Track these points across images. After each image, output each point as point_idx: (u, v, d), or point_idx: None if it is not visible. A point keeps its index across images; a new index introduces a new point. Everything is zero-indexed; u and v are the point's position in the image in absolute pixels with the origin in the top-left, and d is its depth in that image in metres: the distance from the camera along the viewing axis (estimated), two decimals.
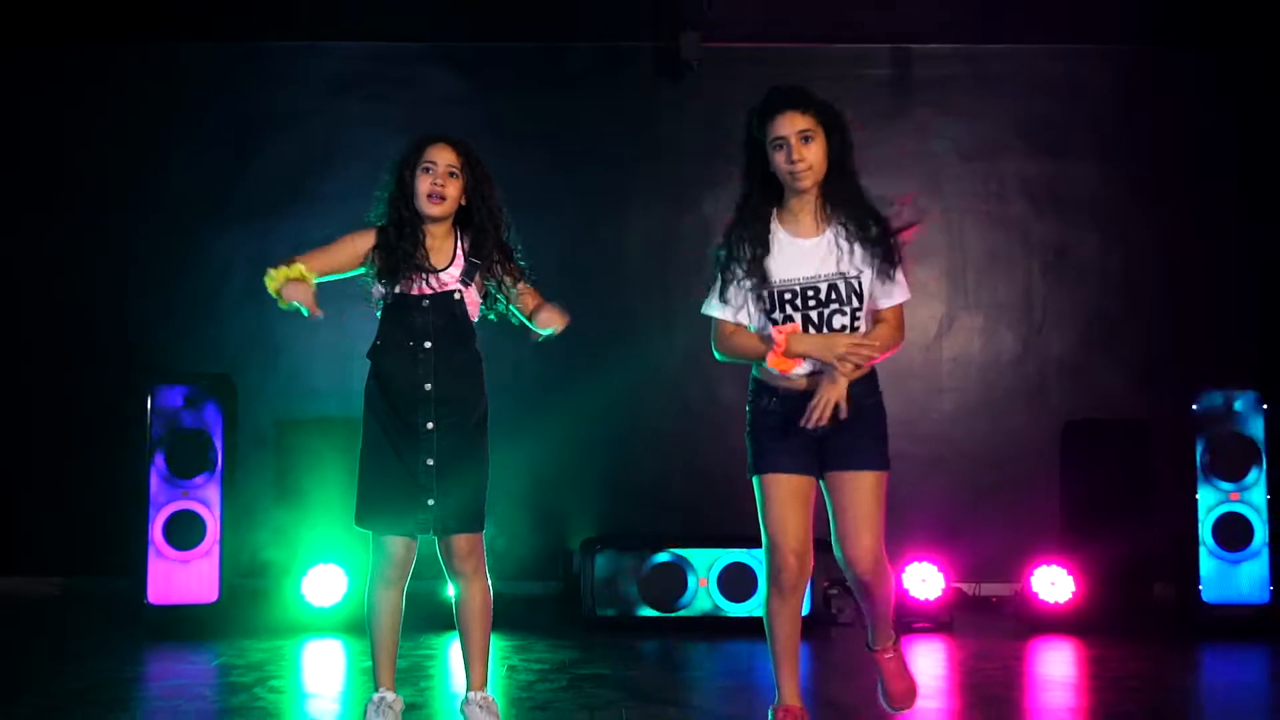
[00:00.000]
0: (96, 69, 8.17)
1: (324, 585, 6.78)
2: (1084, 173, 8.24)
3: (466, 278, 4.50)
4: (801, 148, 4.31)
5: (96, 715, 4.92)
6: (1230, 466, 6.79)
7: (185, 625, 6.49)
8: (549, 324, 4.41)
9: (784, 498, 4.34)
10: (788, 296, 4.34)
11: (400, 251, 4.43)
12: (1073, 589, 6.83)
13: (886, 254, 4.38)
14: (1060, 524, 7.80)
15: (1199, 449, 6.85)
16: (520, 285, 4.58)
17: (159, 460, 6.57)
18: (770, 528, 4.34)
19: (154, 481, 6.57)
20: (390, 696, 4.56)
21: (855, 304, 4.35)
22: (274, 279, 4.24)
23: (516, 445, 7.39)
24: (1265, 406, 6.86)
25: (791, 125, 4.32)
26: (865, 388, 4.37)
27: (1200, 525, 6.80)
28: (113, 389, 7.78)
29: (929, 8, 7.86)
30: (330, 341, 7.76)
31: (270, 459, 7.84)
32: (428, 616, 6.45)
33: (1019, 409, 8.11)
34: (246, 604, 7.01)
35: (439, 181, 4.44)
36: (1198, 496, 6.82)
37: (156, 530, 6.54)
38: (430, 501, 4.40)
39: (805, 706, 4.43)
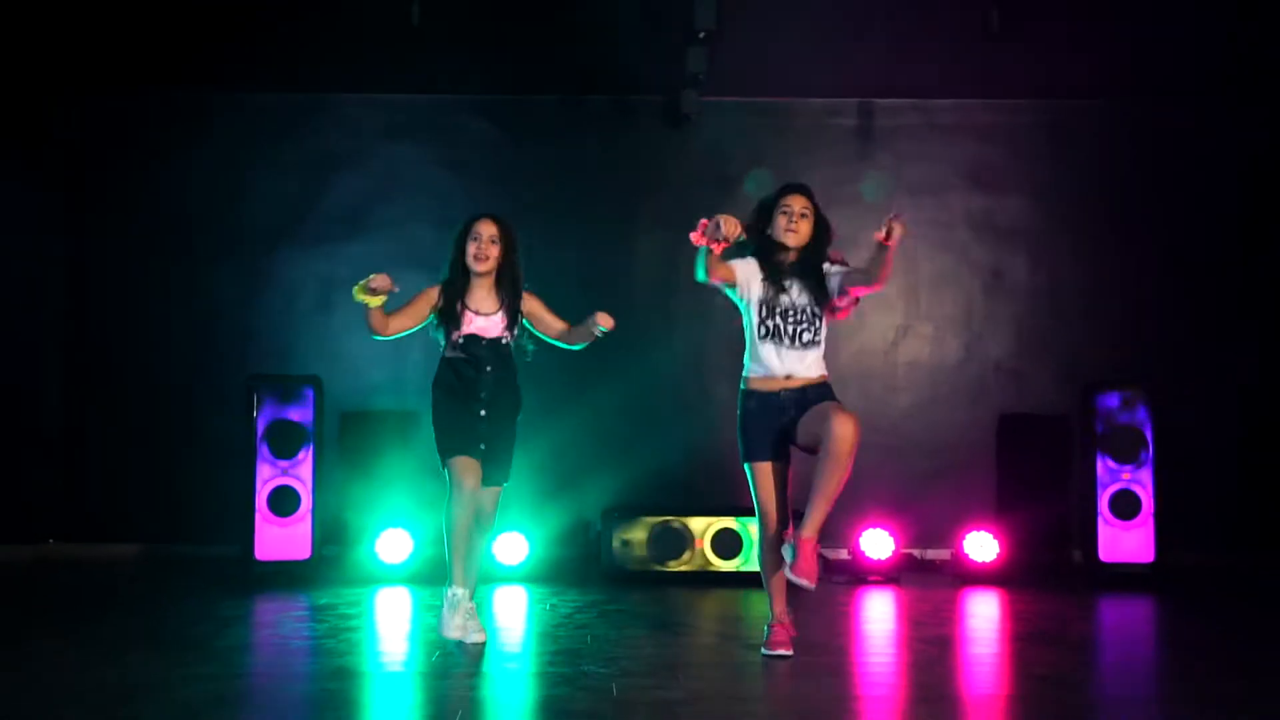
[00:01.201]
0: (196, 115, 9.62)
1: (394, 546, 8.35)
2: (1016, 206, 9.68)
3: (511, 326, 6.14)
4: (800, 221, 5.98)
5: (228, 646, 6.50)
6: (1123, 452, 8.34)
7: (285, 578, 8.05)
8: (605, 323, 6.02)
9: (769, 480, 6.00)
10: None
11: (451, 298, 6.12)
12: (998, 550, 8.41)
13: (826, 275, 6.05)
14: (992, 499, 9.35)
15: (1098, 437, 8.39)
16: (545, 314, 6.23)
17: (264, 445, 8.12)
18: (761, 503, 6.00)
19: (260, 462, 8.12)
20: (461, 592, 6.05)
21: (818, 325, 6.03)
22: (361, 290, 5.93)
23: (547, 436, 8.84)
24: (1151, 404, 8.39)
25: (797, 204, 6.01)
26: (824, 388, 6.01)
27: (1099, 499, 8.34)
28: (212, 386, 9.30)
29: (889, 69, 9.31)
30: (384, 347, 9.09)
31: (340, 444, 9.30)
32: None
33: (961, 404, 9.57)
34: (332, 561, 8.60)
35: (482, 246, 6.08)
36: (1097, 476, 8.36)
37: (262, 501, 8.09)
38: (482, 446, 6.03)
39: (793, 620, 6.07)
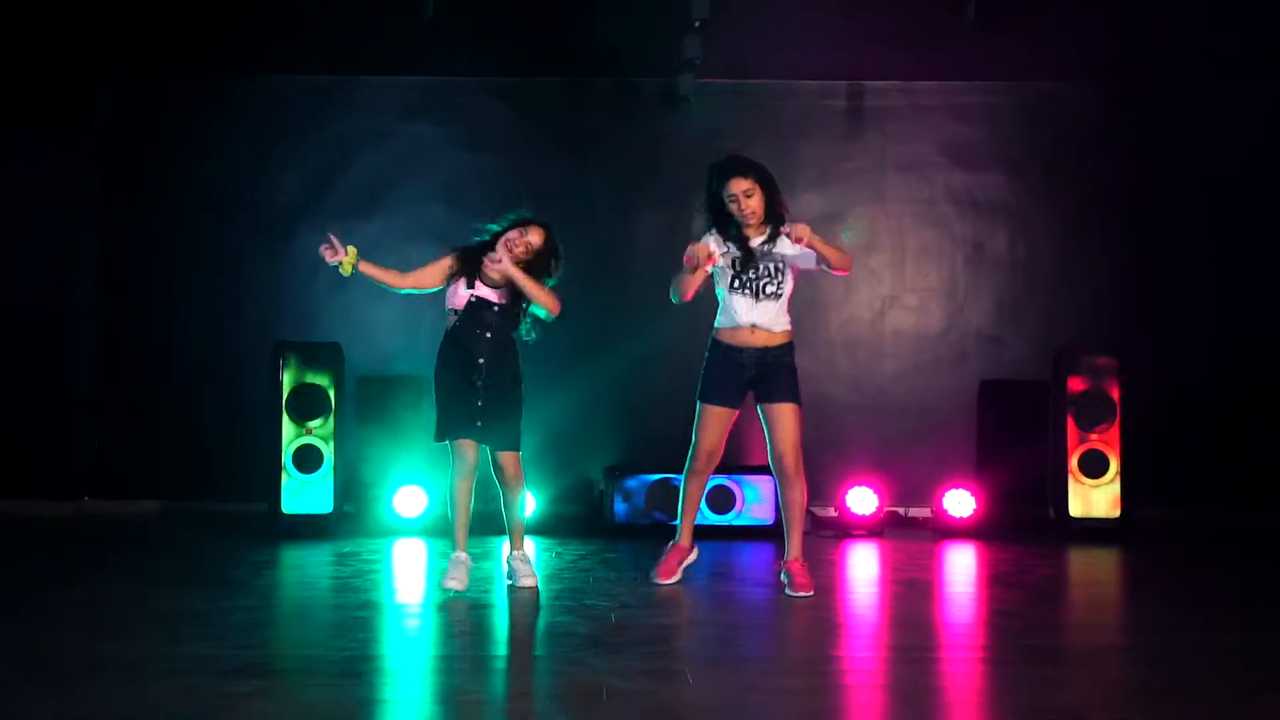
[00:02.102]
0: (224, 97, 10.16)
1: (409, 501, 8.95)
2: (996, 183, 10.17)
3: (516, 302, 6.66)
4: (747, 201, 6.56)
5: (263, 584, 7.11)
6: (1091, 414, 8.88)
7: (309, 529, 8.64)
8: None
9: (714, 422, 6.73)
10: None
11: (470, 266, 6.64)
12: (974, 506, 8.98)
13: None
14: (972, 459, 9.88)
15: (1069, 400, 8.94)
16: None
17: (289, 407, 8.69)
18: (699, 440, 6.73)
19: (285, 423, 8.70)
20: (463, 555, 6.63)
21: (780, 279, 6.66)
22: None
23: (552, 401, 9.33)
24: (1119, 369, 8.92)
25: (739, 186, 6.58)
26: (783, 348, 6.64)
27: (1068, 459, 8.89)
28: (240, 352, 9.87)
29: (877, 53, 9.81)
30: (399, 315, 9.75)
31: (358, 406, 9.80)
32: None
33: (944, 371, 10.09)
34: (352, 516, 9.16)
35: (517, 245, 6.61)
36: (1066, 437, 8.91)
37: (287, 459, 8.68)
38: (479, 423, 6.54)
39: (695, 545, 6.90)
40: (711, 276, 6.71)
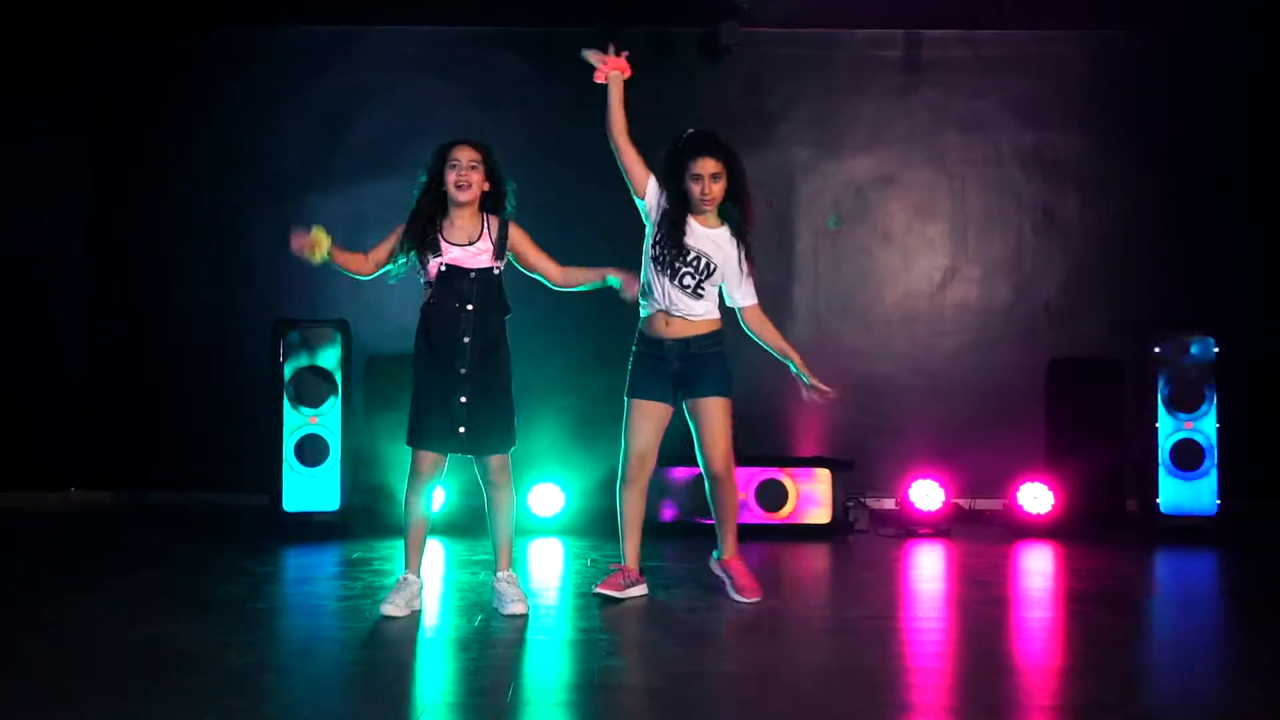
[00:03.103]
0: (221, 52, 9.31)
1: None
2: (1068, 142, 9.31)
3: (498, 255, 5.72)
4: (711, 184, 5.85)
5: (257, 614, 6.23)
6: (1186, 400, 7.99)
7: (314, 529, 7.79)
8: (629, 289, 5.84)
9: (643, 419, 6.03)
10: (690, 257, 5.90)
11: (420, 226, 5.70)
12: (1052, 501, 8.10)
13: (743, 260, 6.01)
14: (1043, 447, 9.03)
15: (1160, 384, 8.04)
16: (532, 249, 5.86)
17: (290, 391, 7.82)
18: (629, 439, 6.03)
19: (286, 411, 7.83)
20: (412, 578, 5.74)
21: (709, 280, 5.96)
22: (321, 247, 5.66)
23: (582, 384, 8.75)
24: (1217, 349, 8.01)
25: (706, 167, 5.86)
26: (709, 340, 5.99)
27: (1160, 449, 8.00)
28: (240, 330, 9.05)
29: None
30: (415, 287, 8.88)
31: (367, 387, 9.02)
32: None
33: (1011, 349, 9.23)
34: (362, 512, 8.28)
35: (463, 174, 5.66)
36: (1158, 425, 8.01)
37: (289, 450, 7.80)
38: (461, 430, 5.63)
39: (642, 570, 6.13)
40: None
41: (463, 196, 5.68)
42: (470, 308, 5.65)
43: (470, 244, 5.70)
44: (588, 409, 8.76)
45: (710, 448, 6.00)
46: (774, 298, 5.82)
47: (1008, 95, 9.37)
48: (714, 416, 6.00)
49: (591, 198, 8.83)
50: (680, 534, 7.88)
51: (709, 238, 5.90)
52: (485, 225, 5.75)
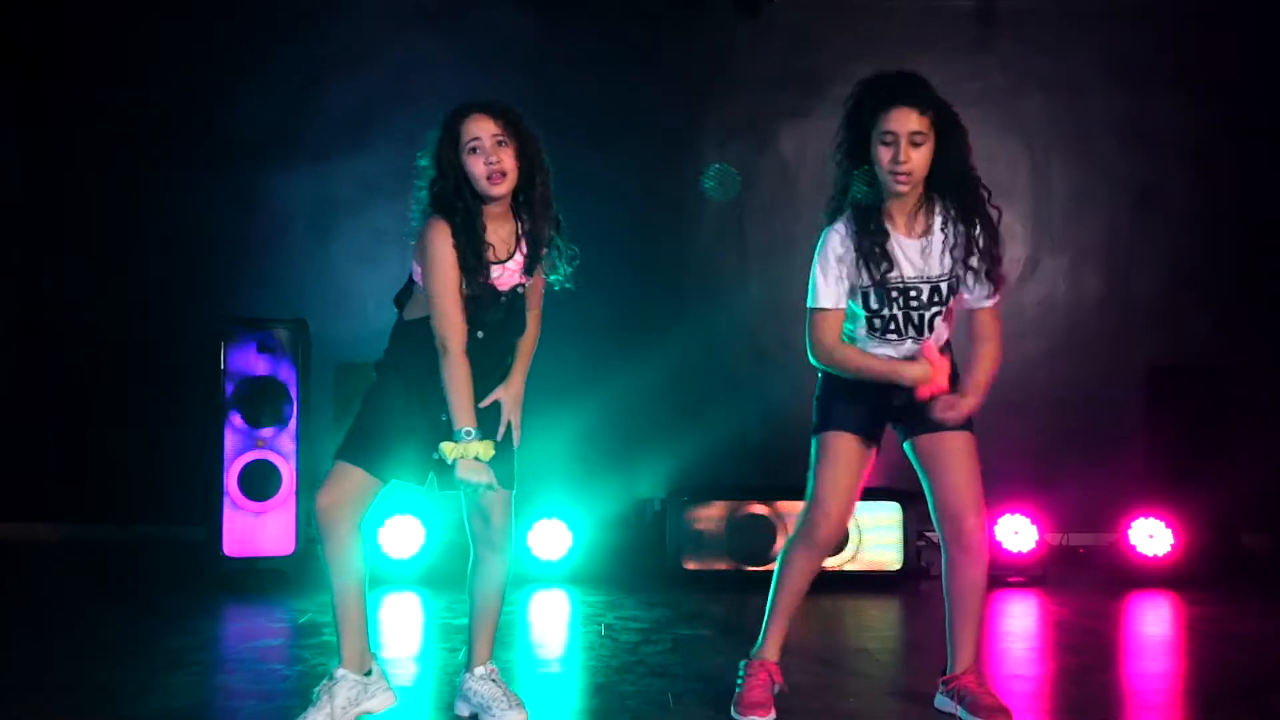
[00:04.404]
0: (162, 4, 7.96)
1: (401, 537, 6.62)
2: (1171, 109, 7.95)
3: (529, 271, 4.19)
4: (910, 150, 4.05)
5: (184, 678, 4.79)
6: None
7: (263, 578, 6.35)
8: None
9: (844, 457, 4.22)
10: (894, 295, 4.14)
11: (471, 250, 4.03)
12: (1171, 541, 6.63)
13: (987, 256, 4.24)
14: (1148, 472, 7.56)
15: None
16: (536, 295, 4.33)
17: (233, 409, 6.38)
18: (821, 486, 4.23)
19: (228, 431, 6.39)
20: (344, 675, 4.11)
21: (948, 303, 4.24)
22: (470, 451, 3.97)
23: (595, 400, 7.43)
24: None
25: (905, 124, 4.05)
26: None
27: None
28: (179, 333, 7.60)
29: None
30: (393, 283, 7.57)
31: (337, 403, 7.61)
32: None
33: (1103, 353, 7.90)
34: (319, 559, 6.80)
35: (493, 158, 4.02)
36: None
37: (231, 481, 6.36)
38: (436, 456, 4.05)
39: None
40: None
41: (499, 189, 4.04)
42: (480, 335, 4.09)
43: (509, 258, 4.13)
44: (600, 424, 7.51)
45: (964, 499, 4.26)
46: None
47: (1101, 52, 8.01)
48: (964, 455, 4.27)
49: (609, 175, 7.75)
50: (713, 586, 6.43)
51: (915, 251, 4.17)
52: (519, 230, 4.18)
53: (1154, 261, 7.96)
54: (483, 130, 4.01)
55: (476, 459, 3.93)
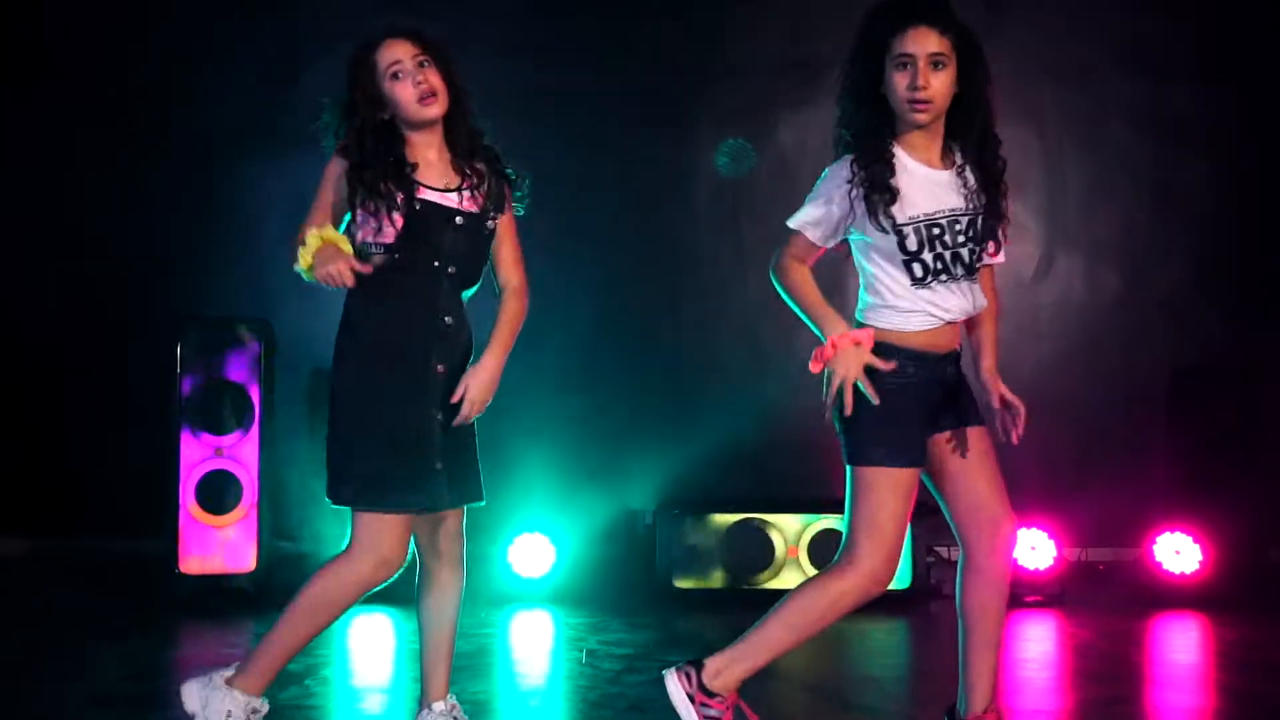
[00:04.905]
0: None
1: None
2: (1191, 97, 7.60)
3: (498, 204, 3.81)
4: (929, 74, 3.59)
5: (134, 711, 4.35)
6: None
7: (221, 597, 5.93)
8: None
9: (899, 493, 3.68)
10: (936, 231, 3.64)
11: (389, 168, 3.69)
12: (1200, 558, 6.21)
13: (998, 204, 3.78)
14: (1170, 482, 7.15)
15: None
16: (509, 242, 3.89)
17: (190, 415, 5.96)
18: (879, 521, 3.66)
19: (185, 439, 5.96)
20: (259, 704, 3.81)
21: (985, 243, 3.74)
22: (309, 255, 3.56)
23: (579, 404, 7.13)
24: None
25: (924, 45, 3.58)
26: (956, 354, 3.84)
27: None
28: (140, 333, 7.19)
29: None
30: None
31: (306, 411, 7.21)
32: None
33: (1120, 354, 7.53)
34: (287, 574, 6.25)
35: (419, 78, 3.67)
36: None
37: (188, 493, 5.93)
38: (439, 465, 3.67)
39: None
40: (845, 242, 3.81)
41: (432, 109, 3.68)
42: (452, 271, 3.70)
43: (447, 190, 3.73)
44: (582, 436, 7.15)
45: (995, 497, 3.85)
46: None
47: (1117, 37, 7.64)
48: (991, 451, 3.88)
49: (599, 163, 7.48)
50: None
51: (945, 184, 3.72)
52: (465, 170, 3.79)
53: (1175, 258, 7.59)
54: (403, 53, 3.72)
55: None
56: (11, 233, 7.55)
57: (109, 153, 7.54)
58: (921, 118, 3.60)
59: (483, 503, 3.83)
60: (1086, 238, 7.58)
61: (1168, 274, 7.56)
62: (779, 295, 3.87)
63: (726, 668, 3.78)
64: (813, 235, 3.71)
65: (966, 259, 3.67)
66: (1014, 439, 3.77)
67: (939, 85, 3.57)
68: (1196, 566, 6.22)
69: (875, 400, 3.54)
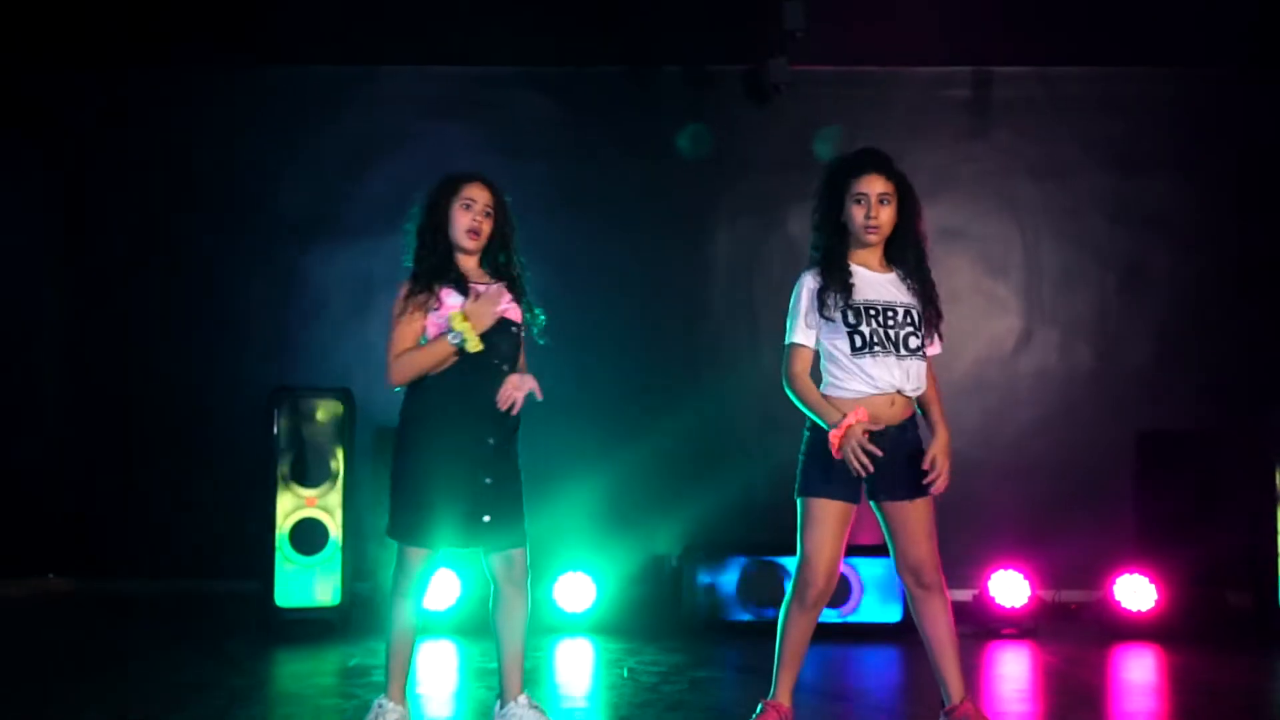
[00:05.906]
0: (217, 91, 8.48)
1: (437, 589, 7.05)
2: (1157, 190, 8.34)
3: (519, 302, 4.83)
4: (879, 208, 4.70)
5: (253, 710, 5.26)
6: None
7: (311, 628, 6.82)
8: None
9: (828, 522, 4.69)
10: (873, 312, 4.69)
11: (432, 268, 4.73)
12: (1155, 597, 7.07)
13: (933, 306, 4.82)
14: (1136, 532, 7.98)
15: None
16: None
17: (286, 470, 6.88)
18: (809, 547, 4.69)
19: (281, 490, 6.89)
20: (391, 706, 4.75)
21: (923, 332, 4.77)
22: (459, 319, 4.60)
23: (616, 462, 7.86)
24: None
25: (874, 186, 4.70)
26: (908, 422, 4.78)
27: None
28: (233, 399, 8.10)
29: (1008, 32, 8.00)
30: None
31: (375, 464, 7.95)
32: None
33: (1095, 421, 8.22)
34: (365, 607, 7.27)
35: (477, 218, 4.73)
36: (1278, 509, 6.97)
37: (283, 537, 6.86)
38: (486, 519, 4.65)
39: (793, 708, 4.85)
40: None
41: (472, 244, 4.77)
42: (506, 368, 4.72)
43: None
44: (620, 485, 7.95)
45: (920, 549, 4.79)
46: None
47: (1087, 138, 8.41)
48: (920, 518, 4.78)
49: (626, 253, 8.27)
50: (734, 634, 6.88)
51: (885, 284, 4.77)
52: (498, 273, 4.87)
53: (1141, 334, 8.31)
54: (480, 196, 4.78)
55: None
56: (130, 318, 8.45)
57: (201, 242, 8.42)
58: (873, 239, 4.76)
59: (523, 548, 4.77)
60: (1062, 315, 8.35)
61: (1135, 348, 8.31)
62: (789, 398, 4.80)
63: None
64: (808, 343, 4.74)
65: (899, 340, 4.69)
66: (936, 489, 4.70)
67: (886, 216, 4.74)
68: (1152, 604, 7.06)
69: (879, 454, 4.50)
